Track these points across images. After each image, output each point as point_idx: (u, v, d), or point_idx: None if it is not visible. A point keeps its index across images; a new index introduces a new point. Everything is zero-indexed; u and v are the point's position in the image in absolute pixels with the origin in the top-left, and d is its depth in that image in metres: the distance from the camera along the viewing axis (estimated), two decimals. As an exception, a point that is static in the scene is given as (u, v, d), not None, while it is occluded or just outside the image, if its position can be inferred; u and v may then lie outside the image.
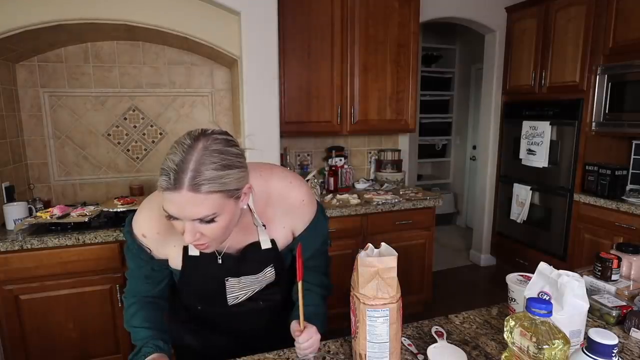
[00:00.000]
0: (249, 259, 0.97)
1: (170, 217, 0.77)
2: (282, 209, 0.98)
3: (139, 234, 0.94)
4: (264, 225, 0.96)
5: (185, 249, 0.95)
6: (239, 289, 1.01)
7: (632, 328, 1.04)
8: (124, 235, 0.99)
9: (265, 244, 0.97)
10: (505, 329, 0.73)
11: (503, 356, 0.74)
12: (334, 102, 2.72)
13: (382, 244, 0.92)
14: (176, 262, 0.97)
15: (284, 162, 2.84)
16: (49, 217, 1.99)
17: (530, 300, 0.69)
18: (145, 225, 0.93)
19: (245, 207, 0.87)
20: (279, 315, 1.10)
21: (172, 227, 0.85)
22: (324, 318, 1.04)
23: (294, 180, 1.01)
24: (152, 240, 0.94)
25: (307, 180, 2.57)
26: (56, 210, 2.05)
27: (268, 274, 1.01)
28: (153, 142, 2.68)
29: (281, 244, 1.01)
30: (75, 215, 2.03)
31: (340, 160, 3.07)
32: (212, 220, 0.76)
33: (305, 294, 1.00)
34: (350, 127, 2.80)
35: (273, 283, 1.06)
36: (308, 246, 1.03)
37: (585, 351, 0.70)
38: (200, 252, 0.94)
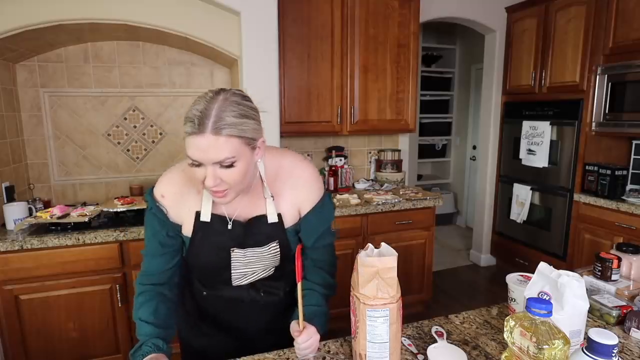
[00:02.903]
0: (255, 231, 1.01)
1: (193, 164, 0.84)
2: (290, 183, 1.02)
3: (158, 195, 1.01)
4: (272, 197, 1.00)
5: (198, 214, 0.99)
6: (244, 264, 1.03)
7: (632, 328, 1.04)
8: (145, 198, 1.06)
9: (272, 218, 1.00)
10: (505, 329, 0.73)
11: (503, 356, 0.74)
12: (333, 102, 2.72)
13: (382, 244, 0.92)
14: (188, 229, 1.01)
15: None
16: (49, 217, 1.99)
17: (530, 300, 0.69)
18: (164, 187, 1.01)
19: (259, 162, 0.95)
20: (280, 316, 1.11)
21: (188, 191, 0.98)
22: (325, 318, 1.04)
23: (304, 160, 1.08)
24: (170, 200, 1.00)
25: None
26: (56, 210, 2.05)
27: (272, 250, 1.02)
28: (153, 142, 2.68)
29: (287, 220, 1.03)
30: (75, 215, 2.03)
31: (340, 160, 3.07)
32: (231, 165, 0.83)
33: (307, 293, 1.03)
34: (350, 127, 2.80)
35: (276, 277, 1.07)
36: (313, 229, 1.06)
37: (585, 351, 0.70)
38: (211, 218, 0.98)
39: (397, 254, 0.87)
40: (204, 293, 1.11)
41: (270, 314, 1.13)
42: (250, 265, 1.03)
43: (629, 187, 2.76)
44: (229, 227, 1.00)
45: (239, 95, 0.86)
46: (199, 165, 0.83)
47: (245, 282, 1.07)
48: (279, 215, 1.01)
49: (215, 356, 1.10)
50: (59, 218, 1.99)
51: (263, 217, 1.00)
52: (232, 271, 1.03)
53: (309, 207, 1.04)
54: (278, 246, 1.03)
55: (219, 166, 0.83)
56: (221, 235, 1.00)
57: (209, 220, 0.99)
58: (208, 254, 1.01)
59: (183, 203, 1.00)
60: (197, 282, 1.11)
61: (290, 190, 1.02)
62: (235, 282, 1.06)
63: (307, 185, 1.04)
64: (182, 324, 1.17)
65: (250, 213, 1.01)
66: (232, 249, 1.01)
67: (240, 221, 1.01)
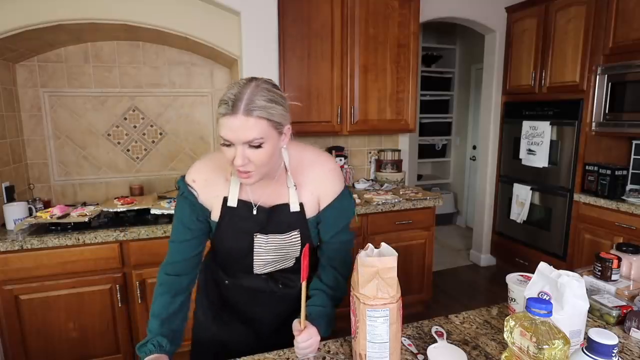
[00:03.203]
0: (277, 218, 1.06)
1: (224, 143, 0.91)
2: (311, 175, 1.07)
3: (189, 180, 1.08)
4: (295, 186, 1.05)
5: (225, 200, 1.05)
6: (266, 250, 1.07)
7: (632, 328, 1.04)
8: (177, 184, 1.11)
9: (294, 207, 1.05)
10: (505, 329, 0.73)
11: (503, 356, 0.74)
12: (334, 102, 2.72)
13: (382, 244, 0.92)
14: (216, 214, 1.07)
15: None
16: (49, 217, 1.99)
17: (530, 300, 0.69)
18: (195, 173, 1.08)
19: (284, 148, 1.01)
20: (297, 310, 1.11)
21: (217, 179, 1.05)
22: (327, 319, 1.05)
23: (326, 154, 1.14)
24: (200, 185, 1.07)
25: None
26: (56, 210, 2.05)
27: (293, 238, 1.07)
28: (153, 142, 2.68)
29: (308, 211, 1.08)
30: (75, 215, 2.03)
31: (340, 160, 3.07)
32: (259, 146, 0.90)
33: (315, 293, 1.07)
34: (350, 127, 2.80)
35: (295, 269, 1.10)
36: (332, 223, 1.09)
37: (585, 351, 0.70)
38: (238, 203, 1.04)
39: (397, 254, 0.87)
40: (226, 282, 1.17)
41: (287, 306, 1.15)
42: (271, 252, 1.08)
43: (629, 187, 2.76)
44: (254, 212, 1.05)
45: (269, 83, 0.94)
46: (230, 145, 0.90)
47: (266, 270, 1.12)
48: (301, 205, 1.06)
49: (234, 348, 1.15)
50: (59, 218, 1.99)
51: (286, 206, 1.06)
52: (254, 257, 1.08)
53: (328, 200, 1.09)
54: (299, 235, 1.07)
55: (248, 146, 0.89)
56: (246, 220, 1.05)
57: (235, 205, 1.05)
58: (233, 237, 1.07)
59: (212, 189, 1.06)
60: (220, 271, 1.18)
61: (311, 181, 1.07)
62: (256, 270, 1.11)
63: (327, 178, 1.08)
64: (207, 312, 1.22)
65: (274, 201, 1.06)
66: (255, 234, 1.05)
67: (265, 207, 1.06)
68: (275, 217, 1.05)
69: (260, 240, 1.06)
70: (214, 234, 1.09)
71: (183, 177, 1.10)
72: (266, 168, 0.95)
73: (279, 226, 1.05)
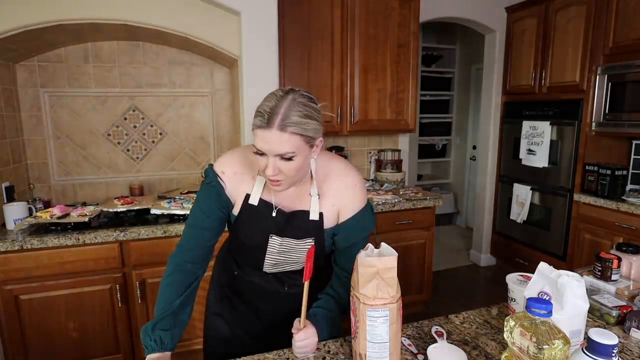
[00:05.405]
0: (295, 223, 1.07)
1: (257, 152, 0.93)
2: (336, 186, 1.08)
3: (219, 171, 1.08)
4: (318, 195, 1.06)
5: (247, 197, 1.07)
6: (279, 251, 1.09)
7: (632, 328, 1.04)
8: (205, 172, 1.11)
9: (314, 215, 1.06)
10: (505, 329, 0.73)
11: (503, 356, 0.74)
12: (333, 102, 2.72)
13: (382, 244, 0.92)
14: (237, 209, 1.09)
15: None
16: (49, 217, 1.99)
17: (530, 300, 0.69)
18: (226, 165, 1.09)
19: (313, 158, 1.02)
20: (297, 314, 1.12)
21: (245, 175, 1.06)
22: (332, 323, 1.06)
23: (353, 168, 1.14)
24: (229, 177, 1.08)
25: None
26: (56, 210, 2.05)
27: (307, 245, 1.08)
28: (153, 142, 2.68)
29: (327, 222, 1.08)
30: (75, 215, 2.03)
31: (340, 160, 3.06)
32: (290, 159, 0.92)
33: (323, 297, 1.08)
34: (350, 127, 2.80)
35: (303, 271, 1.10)
36: (348, 236, 1.09)
37: (585, 351, 0.70)
38: (259, 203, 1.06)
39: (397, 254, 0.87)
40: (235, 273, 1.20)
41: (290, 306, 1.15)
42: (283, 254, 1.09)
43: (629, 187, 2.76)
44: (273, 214, 1.07)
45: (306, 96, 0.94)
46: (262, 154, 0.92)
47: (275, 270, 1.14)
48: (321, 215, 1.07)
49: (240, 332, 1.21)
50: (59, 218, 1.99)
51: (305, 213, 1.06)
52: (266, 255, 1.10)
53: (349, 214, 1.09)
54: (313, 243, 1.07)
55: (280, 158, 0.91)
56: (264, 220, 1.07)
57: (256, 204, 1.06)
58: (249, 234, 1.09)
59: (238, 184, 1.08)
60: (233, 261, 1.21)
61: (335, 193, 1.08)
62: (265, 268, 1.13)
63: (352, 192, 1.09)
64: (217, 299, 1.25)
65: (294, 206, 1.08)
66: (271, 235, 1.07)
67: (284, 211, 1.07)
68: (293, 222, 1.06)
69: (274, 241, 1.07)
70: (233, 223, 1.12)
71: (211, 165, 1.11)
72: (295, 178, 0.98)
73: (296, 231, 1.07)
